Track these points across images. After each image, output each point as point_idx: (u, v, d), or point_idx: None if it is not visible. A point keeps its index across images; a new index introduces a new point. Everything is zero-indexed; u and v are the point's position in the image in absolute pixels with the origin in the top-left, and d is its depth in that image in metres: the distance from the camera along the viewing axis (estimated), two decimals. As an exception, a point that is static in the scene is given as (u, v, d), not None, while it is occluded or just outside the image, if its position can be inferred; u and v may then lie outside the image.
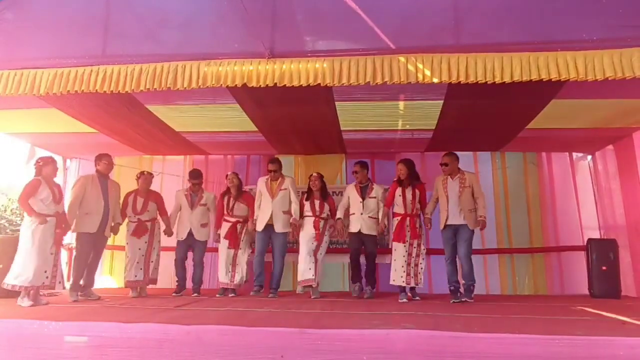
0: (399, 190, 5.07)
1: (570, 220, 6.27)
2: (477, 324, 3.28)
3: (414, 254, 4.97)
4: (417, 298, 5.05)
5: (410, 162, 5.15)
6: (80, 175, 5.33)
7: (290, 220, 5.31)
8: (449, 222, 4.90)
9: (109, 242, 5.56)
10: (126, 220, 5.44)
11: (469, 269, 4.83)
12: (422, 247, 5.06)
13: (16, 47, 3.96)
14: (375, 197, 5.22)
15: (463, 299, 4.75)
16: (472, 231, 4.86)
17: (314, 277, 5.13)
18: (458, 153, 6.44)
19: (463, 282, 4.89)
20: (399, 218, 5.03)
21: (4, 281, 4.37)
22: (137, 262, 5.29)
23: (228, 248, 5.42)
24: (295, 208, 5.34)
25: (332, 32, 3.78)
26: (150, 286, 5.43)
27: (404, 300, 4.87)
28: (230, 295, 5.29)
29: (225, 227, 5.50)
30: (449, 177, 5.00)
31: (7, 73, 3.82)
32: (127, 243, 5.40)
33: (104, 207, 5.04)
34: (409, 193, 5.03)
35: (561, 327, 3.18)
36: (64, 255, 6.53)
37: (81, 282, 5.02)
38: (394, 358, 2.76)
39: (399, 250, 4.97)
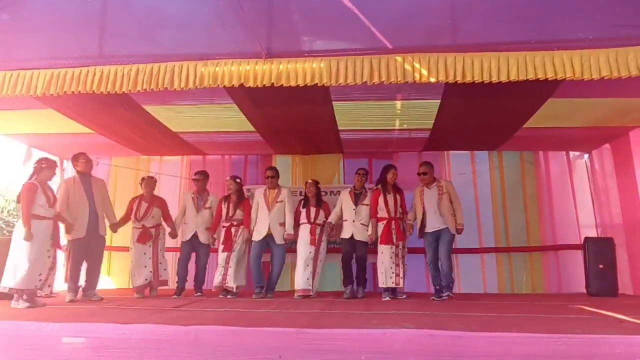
0: (381, 197, 5.19)
1: (567, 219, 6.29)
2: (475, 323, 3.28)
3: (400, 255, 5.09)
4: (404, 296, 5.11)
5: (396, 168, 5.33)
6: (63, 180, 5.26)
7: (284, 236, 5.33)
8: (428, 230, 5.10)
9: (107, 243, 5.54)
10: (131, 225, 5.45)
11: (448, 268, 5.00)
12: (405, 248, 5.20)
13: (12, 48, 3.94)
14: (368, 205, 5.32)
15: (444, 296, 4.90)
16: (453, 235, 5.06)
17: (311, 287, 5.18)
18: (456, 152, 6.49)
19: (441, 281, 5.04)
20: (384, 222, 5.15)
21: (1, 285, 4.35)
22: (145, 266, 5.32)
23: (222, 252, 5.44)
24: (289, 222, 5.35)
25: (329, 32, 3.77)
26: (160, 287, 5.48)
27: (387, 298, 4.97)
28: (229, 297, 5.28)
29: (221, 231, 5.53)
30: (425, 187, 5.19)
31: (4, 74, 3.80)
32: (132, 249, 5.41)
33: (89, 208, 4.99)
34: (390, 198, 5.18)
35: (559, 326, 3.19)
36: (61, 256, 6.53)
37: (80, 284, 5.03)
38: (393, 358, 2.76)
39: (386, 253, 5.07)
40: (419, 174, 5.23)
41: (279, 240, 5.34)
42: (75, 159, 5.10)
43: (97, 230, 5.06)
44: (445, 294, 4.92)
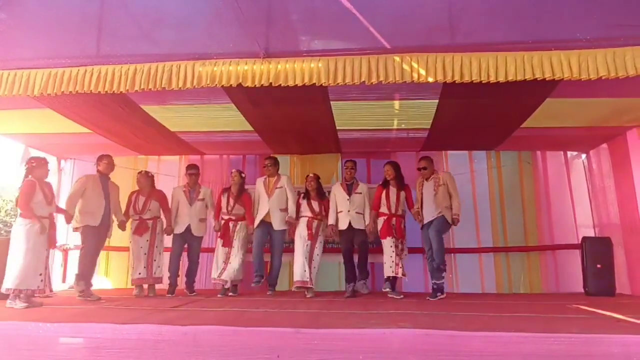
0: (383, 193, 5.26)
1: (565, 218, 6.30)
2: (473, 323, 3.29)
3: (400, 248, 5.14)
4: (402, 297, 5.10)
5: (397, 164, 5.37)
6: (83, 175, 5.36)
7: (286, 219, 5.37)
8: (425, 222, 5.11)
9: (105, 243, 5.53)
10: (130, 219, 5.52)
11: (438, 247, 4.94)
12: (405, 246, 5.25)
13: (10, 47, 3.92)
14: (361, 193, 5.41)
15: (439, 296, 4.89)
16: (448, 223, 5.00)
17: (309, 279, 5.18)
18: (454, 152, 6.49)
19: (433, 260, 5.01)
20: (384, 217, 5.22)
21: (3, 286, 4.34)
22: (140, 261, 5.36)
23: (222, 247, 5.47)
24: (291, 206, 5.41)
25: (327, 31, 3.77)
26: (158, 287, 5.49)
27: (388, 289, 5.05)
28: (230, 294, 5.30)
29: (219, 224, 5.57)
30: (424, 180, 5.20)
31: (1, 73, 3.79)
32: (130, 242, 5.50)
33: (105, 206, 5.15)
34: (393, 195, 5.23)
35: (556, 325, 3.20)
36: (59, 256, 6.52)
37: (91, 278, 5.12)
38: (391, 357, 2.76)
39: (387, 243, 5.14)
40: (418, 169, 5.26)
41: (277, 226, 5.40)
42: (99, 159, 5.32)
43: (106, 229, 5.22)
44: (439, 297, 4.88)
